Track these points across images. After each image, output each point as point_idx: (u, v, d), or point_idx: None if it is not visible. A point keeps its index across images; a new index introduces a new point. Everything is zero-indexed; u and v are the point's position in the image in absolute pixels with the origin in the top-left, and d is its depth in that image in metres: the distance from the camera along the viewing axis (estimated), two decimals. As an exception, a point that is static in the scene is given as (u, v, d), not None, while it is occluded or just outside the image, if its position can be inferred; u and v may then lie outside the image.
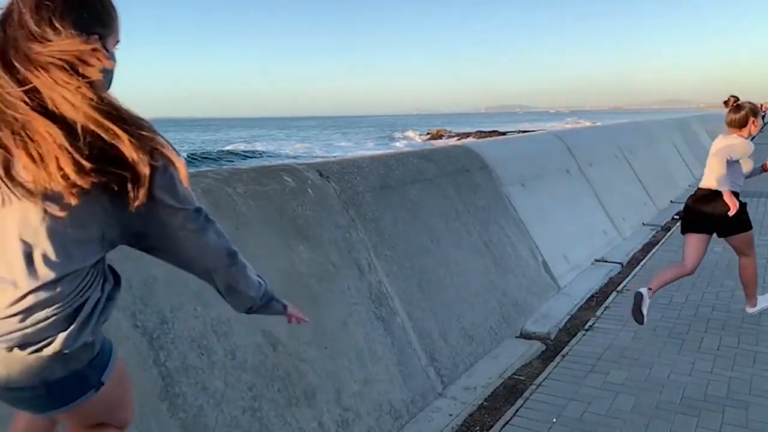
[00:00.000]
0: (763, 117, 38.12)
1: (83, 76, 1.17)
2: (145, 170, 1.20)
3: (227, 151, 44.94)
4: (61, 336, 1.28)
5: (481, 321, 3.89)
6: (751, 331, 3.98)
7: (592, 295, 4.91)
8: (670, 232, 7.15)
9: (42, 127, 1.15)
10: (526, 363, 3.65)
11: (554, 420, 2.92)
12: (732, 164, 3.77)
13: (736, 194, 3.75)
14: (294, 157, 36.45)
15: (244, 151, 46.04)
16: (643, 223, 7.74)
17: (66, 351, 1.29)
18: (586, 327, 4.16)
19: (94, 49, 1.19)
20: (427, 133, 64.41)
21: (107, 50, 1.28)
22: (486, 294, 4.14)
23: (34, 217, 1.21)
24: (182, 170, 1.28)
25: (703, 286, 4.95)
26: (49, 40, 1.16)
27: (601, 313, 4.43)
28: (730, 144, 3.81)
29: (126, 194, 1.21)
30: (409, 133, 67.00)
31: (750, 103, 3.88)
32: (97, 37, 1.25)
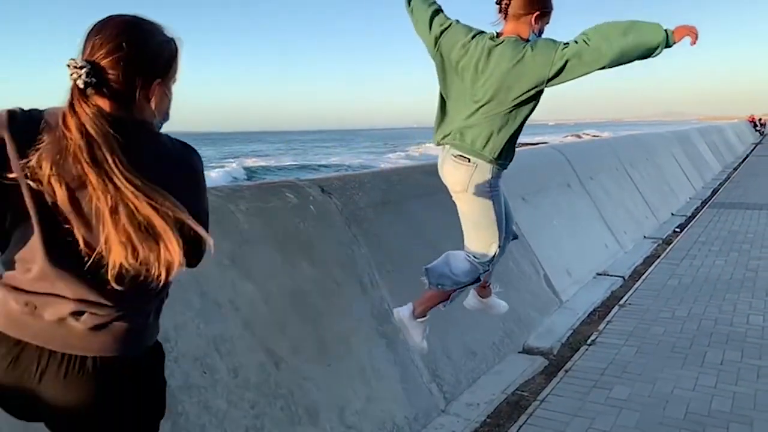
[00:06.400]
0: (763, 129, 37.97)
1: None
2: None
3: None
4: None
5: (484, 337, 3.88)
6: (754, 345, 3.97)
7: (595, 309, 4.90)
8: (672, 245, 7.15)
9: None
10: (529, 379, 3.64)
11: (558, 437, 2.91)
12: None
13: None
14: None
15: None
16: (645, 236, 7.74)
17: None
18: (589, 342, 4.15)
19: None
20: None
21: None
22: (488, 309, 4.12)
23: None
24: None
25: (705, 300, 4.94)
26: None
27: (604, 327, 4.43)
28: None
29: None
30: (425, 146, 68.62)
31: None
32: None
